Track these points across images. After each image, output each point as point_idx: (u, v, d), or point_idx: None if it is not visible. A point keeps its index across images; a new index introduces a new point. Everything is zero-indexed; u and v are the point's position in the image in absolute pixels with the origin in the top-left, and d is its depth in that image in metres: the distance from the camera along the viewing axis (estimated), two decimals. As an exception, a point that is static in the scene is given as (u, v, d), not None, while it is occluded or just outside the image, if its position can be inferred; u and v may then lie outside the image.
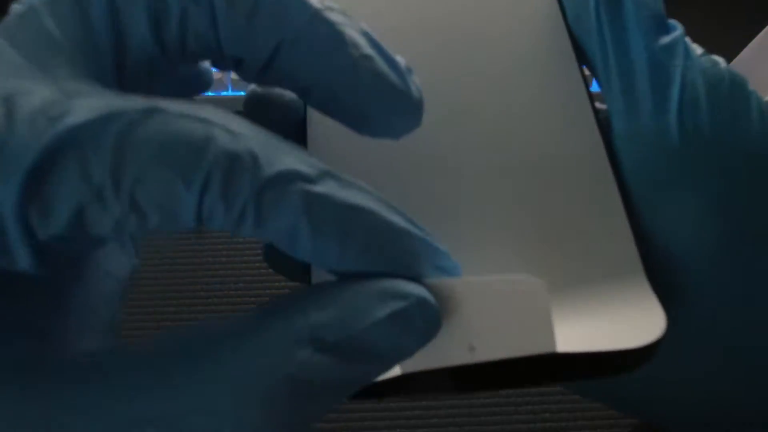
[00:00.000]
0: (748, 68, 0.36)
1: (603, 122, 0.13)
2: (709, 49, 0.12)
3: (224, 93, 0.41)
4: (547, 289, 0.10)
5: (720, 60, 0.11)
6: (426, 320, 0.10)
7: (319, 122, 0.14)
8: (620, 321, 0.11)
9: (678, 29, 0.12)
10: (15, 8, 0.10)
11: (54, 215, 0.08)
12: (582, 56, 0.13)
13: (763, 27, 0.35)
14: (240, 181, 0.09)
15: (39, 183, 0.08)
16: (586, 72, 0.14)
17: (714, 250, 0.11)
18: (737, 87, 0.11)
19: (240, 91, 0.41)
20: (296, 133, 0.14)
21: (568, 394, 0.33)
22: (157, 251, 0.38)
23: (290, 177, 0.09)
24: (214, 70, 0.13)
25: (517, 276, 0.10)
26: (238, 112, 0.10)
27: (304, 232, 0.09)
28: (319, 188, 0.09)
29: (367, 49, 0.10)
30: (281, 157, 0.09)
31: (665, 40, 0.11)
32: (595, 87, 0.14)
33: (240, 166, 0.09)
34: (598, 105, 0.13)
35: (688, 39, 0.12)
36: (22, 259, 0.09)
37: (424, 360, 0.10)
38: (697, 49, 0.12)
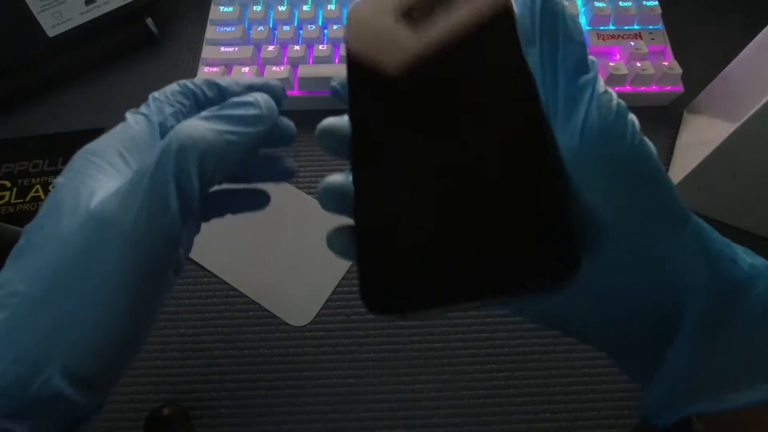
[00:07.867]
0: (748, 68, 0.36)
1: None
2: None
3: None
4: None
5: (614, 95, 0.16)
6: None
7: None
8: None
9: (593, 72, 0.16)
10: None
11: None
12: None
13: (763, 27, 0.35)
14: None
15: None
16: None
17: (613, 220, 0.16)
18: (620, 116, 0.16)
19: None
20: None
21: (569, 393, 0.33)
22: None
23: None
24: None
25: None
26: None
27: None
28: None
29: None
30: None
31: (582, 80, 0.16)
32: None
33: None
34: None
35: (600, 79, 0.16)
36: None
37: None
38: (602, 88, 0.16)
